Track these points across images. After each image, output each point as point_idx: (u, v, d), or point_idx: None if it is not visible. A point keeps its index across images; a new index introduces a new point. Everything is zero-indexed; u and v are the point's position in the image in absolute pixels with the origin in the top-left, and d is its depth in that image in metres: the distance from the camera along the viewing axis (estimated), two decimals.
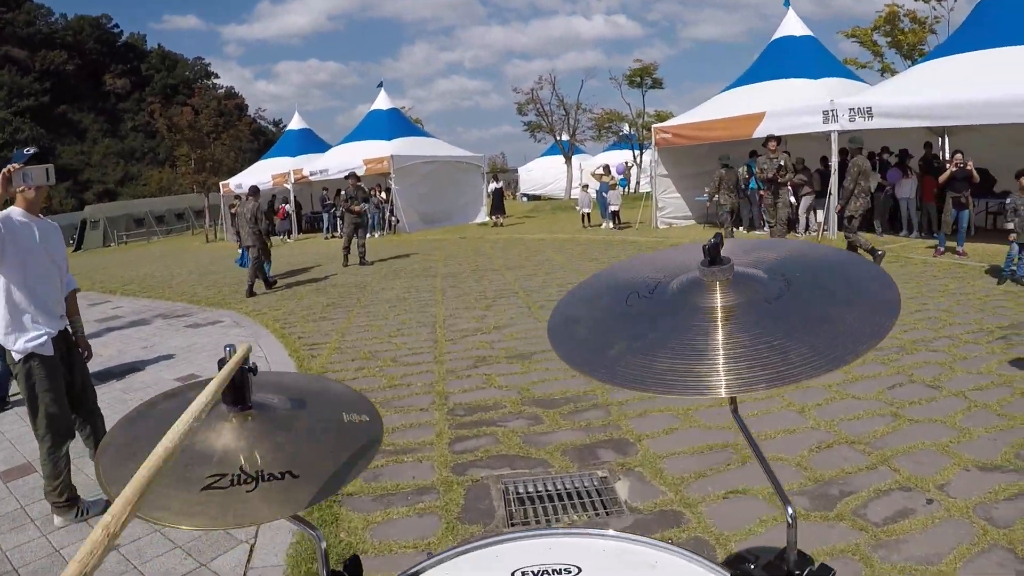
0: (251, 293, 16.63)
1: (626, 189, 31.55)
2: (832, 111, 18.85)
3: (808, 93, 21.06)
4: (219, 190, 41.66)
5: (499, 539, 1.87)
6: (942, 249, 15.80)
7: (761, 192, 21.20)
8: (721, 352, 1.58)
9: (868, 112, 18.18)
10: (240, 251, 19.77)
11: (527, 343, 9.98)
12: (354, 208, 20.81)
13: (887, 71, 40.02)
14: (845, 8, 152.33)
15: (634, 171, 48.71)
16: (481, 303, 13.28)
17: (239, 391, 1.66)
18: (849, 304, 1.70)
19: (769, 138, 17.91)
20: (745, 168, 22.25)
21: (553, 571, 1.70)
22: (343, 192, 21.53)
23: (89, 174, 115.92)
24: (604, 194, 27.71)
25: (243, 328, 12.76)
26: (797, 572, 1.68)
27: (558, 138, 50.60)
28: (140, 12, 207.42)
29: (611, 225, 27.29)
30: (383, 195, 32.23)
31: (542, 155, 58.47)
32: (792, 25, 24.58)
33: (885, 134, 20.12)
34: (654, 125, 25.55)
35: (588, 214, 28.89)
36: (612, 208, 27.43)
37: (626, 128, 54.12)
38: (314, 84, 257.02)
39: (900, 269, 14.29)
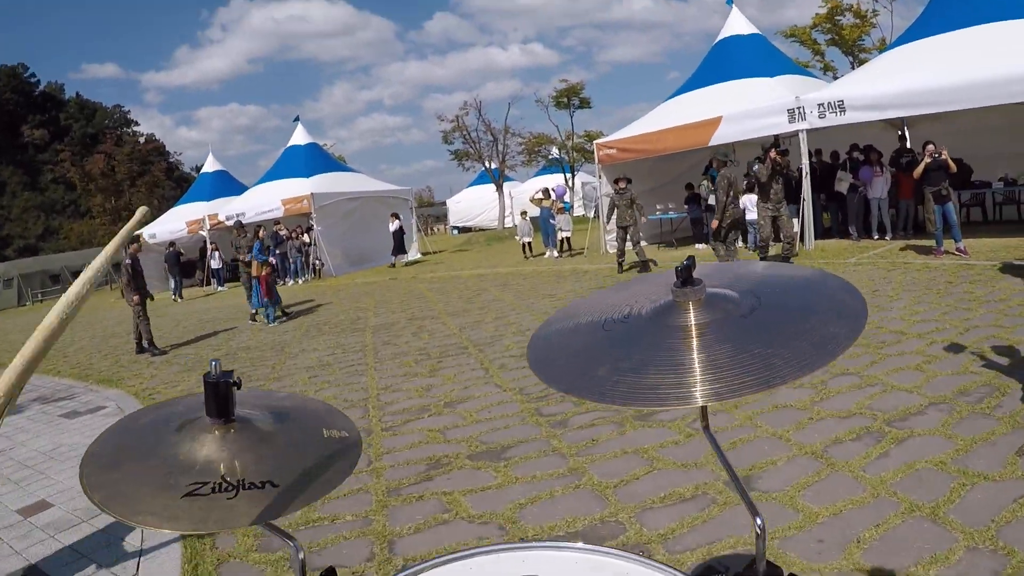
0: (140, 349, 15.76)
1: (570, 212, 29.29)
2: (798, 109, 17.01)
3: (766, 92, 19.06)
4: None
5: (471, 552, 1.85)
6: (942, 250, 14.23)
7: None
8: (707, 364, 1.60)
9: (840, 106, 16.40)
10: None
11: (495, 428, 7.26)
12: (244, 259, 19.35)
13: (829, 70, 38.48)
14: (752, 18, 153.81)
15: (567, 194, 46.94)
16: (424, 365, 10.58)
17: (223, 403, 1.67)
18: (820, 312, 1.75)
19: (774, 146, 15.40)
20: (708, 180, 20.09)
21: None
22: (232, 243, 20.55)
23: (9, 229, 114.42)
24: (551, 220, 25.30)
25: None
26: None
27: (487, 166, 48.78)
28: (58, 61, 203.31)
29: (555, 254, 24.91)
30: (304, 237, 29.75)
31: (470, 185, 57.28)
32: (737, 24, 22.61)
33: (846, 131, 18.30)
34: (596, 141, 23.21)
35: (529, 243, 26.48)
36: (564, 234, 25.16)
37: (555, 151, 52.51)
38: (235, 129, 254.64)
39: (904, 277, 12.49)
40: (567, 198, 38.84)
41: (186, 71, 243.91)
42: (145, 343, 15.69)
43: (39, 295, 50.05)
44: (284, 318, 18.39)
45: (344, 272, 29.69)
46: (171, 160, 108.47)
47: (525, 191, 48.76)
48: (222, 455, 1.62)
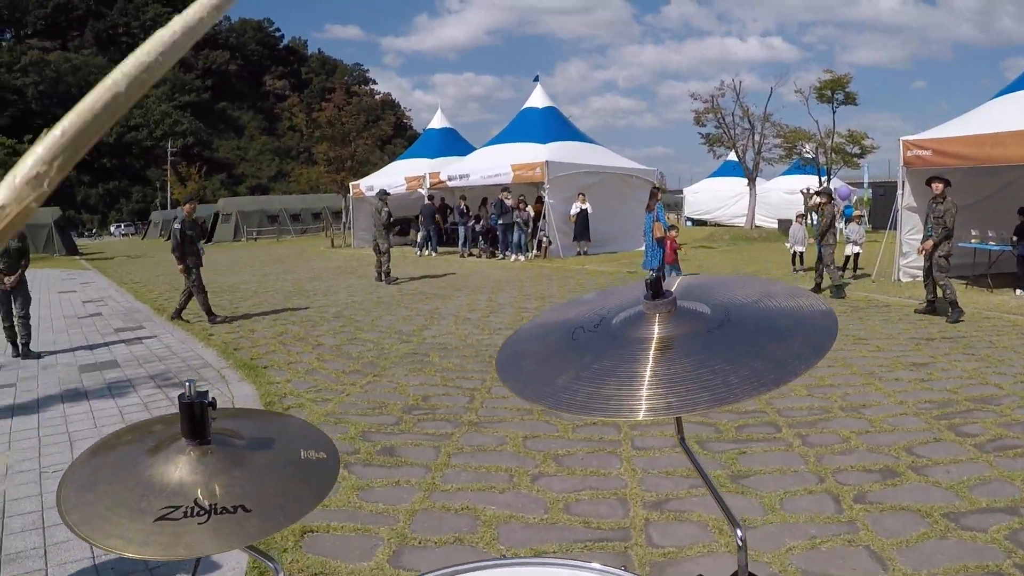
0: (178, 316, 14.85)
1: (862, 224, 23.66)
2: None
3: None
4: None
5: (460, 568, 1.81)
6: None
7: None
8: (665, 378, 1.59)
9: None
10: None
11: None
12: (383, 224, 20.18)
13: None
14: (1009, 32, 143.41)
15: (853, 198, 41.97)
16: (724, 457, 6.46)
17: (198, 425, 1.63)
18: (788, 330, 1.73)
19: None
20: None
21: None
22: (381, 211, 20.50)
23: (244, 168, 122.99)
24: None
25: None
26: None
27: (740, 155, 44.47)
28: (302, 19, 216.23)
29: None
30: (529, 209, 26.35)
31: (711, 175, 53.10)
32: None
33: None
34: (903, 139, 18.42)
35: (801, 254, 21.04)
36: (855, 248, 19.69)
37: (808, 149, 47.55)
38: (470, 96, 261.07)
39: None
40: (853, 202, 33.82)
41: (424, 38, 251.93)
42: (175, 311, 14.96)
43: (255, 233, 52.27)
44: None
45: (572, 254, 26.20)
46: (403, 119, 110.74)
47: (769, 189, 44.95)
48: (196, 478, 1.58)
